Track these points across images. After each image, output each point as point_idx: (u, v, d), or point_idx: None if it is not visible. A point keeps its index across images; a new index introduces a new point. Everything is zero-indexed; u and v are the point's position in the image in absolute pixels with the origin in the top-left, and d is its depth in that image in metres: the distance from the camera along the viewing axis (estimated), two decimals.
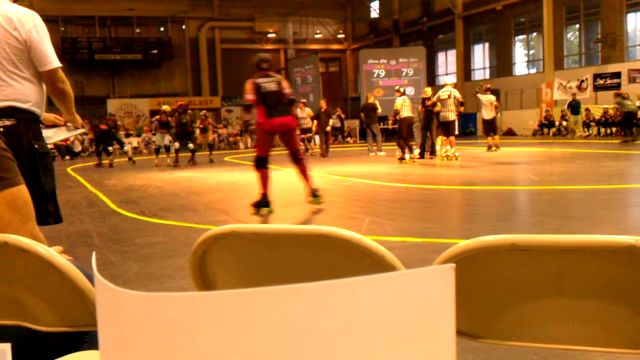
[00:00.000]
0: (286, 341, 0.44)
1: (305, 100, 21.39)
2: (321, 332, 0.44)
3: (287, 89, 7.99)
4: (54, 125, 3.64)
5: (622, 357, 1.13)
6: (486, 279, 1.15)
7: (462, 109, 15.76)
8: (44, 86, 3.31)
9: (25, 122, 3.15)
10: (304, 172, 8.22)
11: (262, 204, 7.97)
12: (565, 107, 24.66)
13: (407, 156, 15.45)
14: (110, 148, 18.17)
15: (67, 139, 24.85)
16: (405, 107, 15.54)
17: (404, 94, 15.90)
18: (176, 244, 6.11)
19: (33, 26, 3.17)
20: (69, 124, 3.72)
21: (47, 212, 3.22)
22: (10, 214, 1.58)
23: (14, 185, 1.60)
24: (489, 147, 17.77)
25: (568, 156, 15.80)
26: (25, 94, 3.17)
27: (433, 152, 16.37)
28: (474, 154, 17.90)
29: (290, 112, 8.08)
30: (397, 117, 15.59)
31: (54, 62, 3.24)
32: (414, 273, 0.45)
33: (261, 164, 8.03)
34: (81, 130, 3.80)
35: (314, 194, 8.16)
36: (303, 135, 19.86)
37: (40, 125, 3.32)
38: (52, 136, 3.51)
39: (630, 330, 1.08)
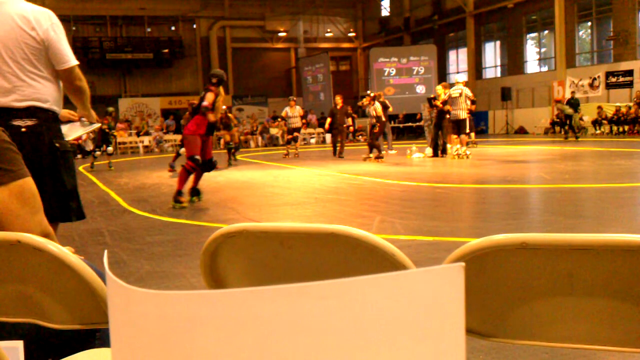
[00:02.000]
0: (296, 339, 0.44)
1: (295, 98, 20.48)
2: (330, 330, 0.44)
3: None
4: (69, 121, 3.65)
5: (634, 356, 1.13)
6: (497, 278, 1.15)
7: (473, 107, 15.62)
8: (61, 84, 3.32)
9: (45, 121, 3.17)
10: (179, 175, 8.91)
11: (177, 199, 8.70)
12: (564, 103, 24.78)
13: (372, 155, 16.13)
14: (110, 148, 17.02)
15: (80, 137, 24.96)
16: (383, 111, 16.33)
17: (374, 98, 16.38)
18: (187, 243, 6.13)
19: (50, 25, 3.19)
20: (83, 119, 3.74)
21: (69, 209, 3.24)
22: (19, 206, 1.60)
23: (21, 177, 1.61)
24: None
25: (579, 154, 15.72)
26: (45, 93, 3.19)
27: (444, 151, 16.33)
28: (485, 152, 17.83)
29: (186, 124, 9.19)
30: (380, 121, 16.11)
31: (72, 60, 3.25)
32: (423, 272, 0.45)
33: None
34: (97, 125, 3.81)
35: (176, 199, 8.69)
36: (289, 136, 19.37)
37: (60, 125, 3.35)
38: (67, 133, 3.52)
39: None
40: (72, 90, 3.34)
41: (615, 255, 1.04)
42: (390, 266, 1.19)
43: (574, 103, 23.47)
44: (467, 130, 15.75)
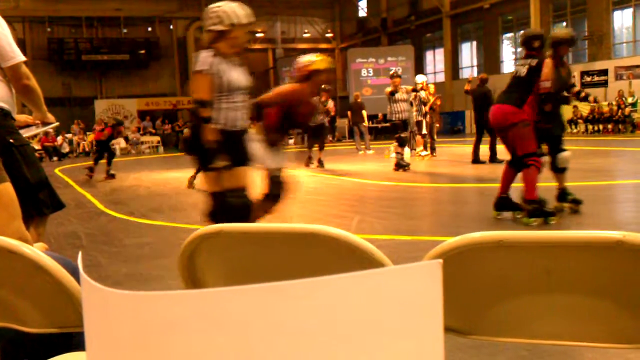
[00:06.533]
0: (274, 338, 0.44)
1: (400, 74, 14.46)
2: (309, 328, 0.44)
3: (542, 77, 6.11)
4: (27, 125, 3.55)
5: (610, 351, 1.14)
6: (475, 276, 1.16)
7: (426, 108, 15.46)
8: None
9: None
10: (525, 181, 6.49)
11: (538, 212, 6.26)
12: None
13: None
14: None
15: (35, 135, 24.61)
16: None
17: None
18: (165, 245, 6.09)
19: None
20: (42, 121, 3.66)
21: (40, 202, 3.12)
22: None
23: (0, 182, 1.58)
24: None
25: None
26: None
27: (433, 150, 16.29)
28: (462, 152, 17.92)
29: (509, 101, 6.24)
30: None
31: (18, 56, 3.13)
32: (401, 269, 0.45)
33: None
34: (55, 125, 3.69)
35: (527, 210, 6.34)
36: (404, 134, 12.82)
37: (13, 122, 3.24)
38: (24, 133, 3.42)
39: (618, 325, 1.09)
40: (21, 89, 3.20)
41: (592, 252, 1.04)
42: (369, 265, 1.19)
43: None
44: (424, 132, 15.55)
